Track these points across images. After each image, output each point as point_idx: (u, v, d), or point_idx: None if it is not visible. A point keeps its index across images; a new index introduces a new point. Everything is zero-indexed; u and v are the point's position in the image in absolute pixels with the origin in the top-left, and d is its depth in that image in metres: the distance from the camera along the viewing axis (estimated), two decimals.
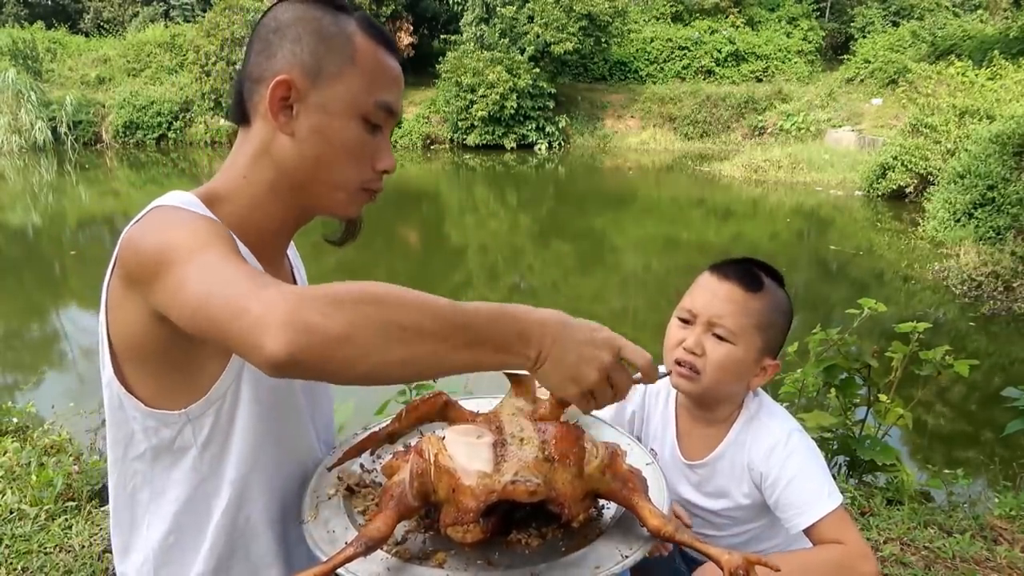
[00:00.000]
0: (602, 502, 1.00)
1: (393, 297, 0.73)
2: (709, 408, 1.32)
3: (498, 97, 19.49)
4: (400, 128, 21.46)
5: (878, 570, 1.13)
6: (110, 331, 0.93)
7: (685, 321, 1.28)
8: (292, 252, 1.20)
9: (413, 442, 1.00)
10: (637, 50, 23.94)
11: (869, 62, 20.34)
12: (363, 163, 0.99)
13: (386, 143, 1.02)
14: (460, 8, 22.46)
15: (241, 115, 1.00)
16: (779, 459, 1.23)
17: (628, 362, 0.86)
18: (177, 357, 0.92)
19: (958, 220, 9.09)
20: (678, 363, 1.25)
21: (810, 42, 24.14)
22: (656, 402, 1.43)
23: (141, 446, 0.97)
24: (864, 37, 22.72)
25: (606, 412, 1.44)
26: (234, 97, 1.01)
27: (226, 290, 0.73)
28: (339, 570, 0.84)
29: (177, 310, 0.79)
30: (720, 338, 1.23)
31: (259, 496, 1.00)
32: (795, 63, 23.62)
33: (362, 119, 0.97)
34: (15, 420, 3.57)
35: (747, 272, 1.27)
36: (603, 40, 21.89)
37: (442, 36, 23.54)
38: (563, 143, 21.12)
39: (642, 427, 1.45)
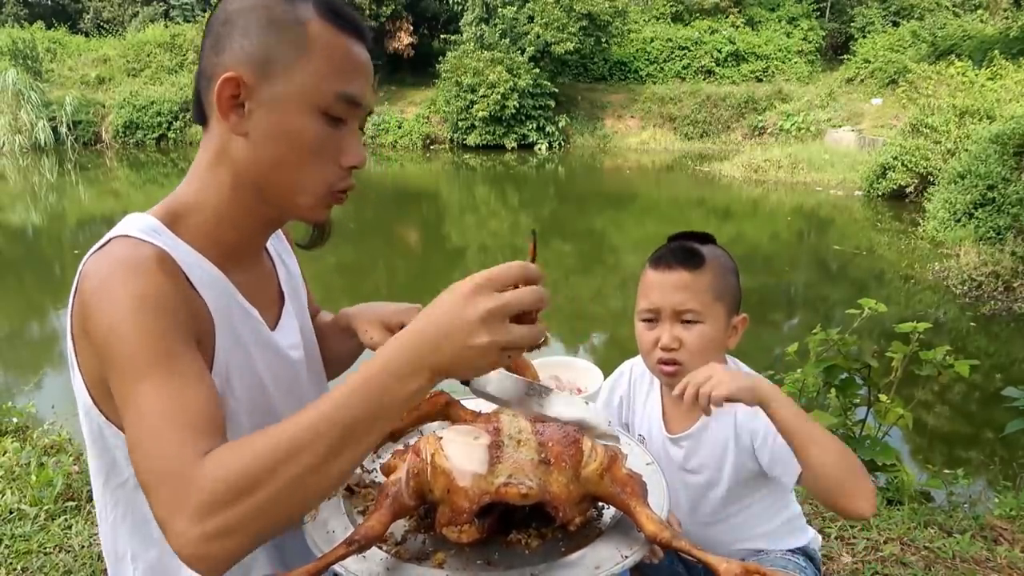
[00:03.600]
0: (601, 503, 1.00)
1: (281, 463, 0.70)
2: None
3: (499, 97, 19.50)
4: (400, 128, 21.49)
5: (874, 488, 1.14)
6: (79, 360, 0.89)
7: (650, 321, 1.30)
8: (279, 245, 1.16)
9: (413, 441, 1.00)
10: (637, 50, 23.95)
11: (869, 62, 20.35)
12: (326, 161, 0.92)
13: (353, 137, 0.94)
14: (460, 8, 22.48)
15: (201, 116, 0.95)
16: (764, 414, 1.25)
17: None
18: None
19: (958, 220, 9.09)
20: (661, 363, 1.28)
21: (810, 42, 24.15)
22: (642, 384, 1.45)
23: (124, 474, 0.93)
24: (864, 37, 22.73)
25: (600, 399, 1.44)
26: (194, 96, 0.95)
27: (153, 468, 0.74)
28: (339, 570, 0.85)
29: (124, 424, 0.80)
30: (689, 323, 1.26)
31: None
32: (795, 63, 23.62)
33: (320, 113, 0.89)
34: (15, 420, 3.57)
35: (685, 253, 1.29)
36: (603, 40, 21.91)
37: (442, 36, 23.55)
38: (563, 143, 21.12)
39: (630, 410, 1.47)
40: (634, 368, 1.48)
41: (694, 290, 1.26)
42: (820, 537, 1.44)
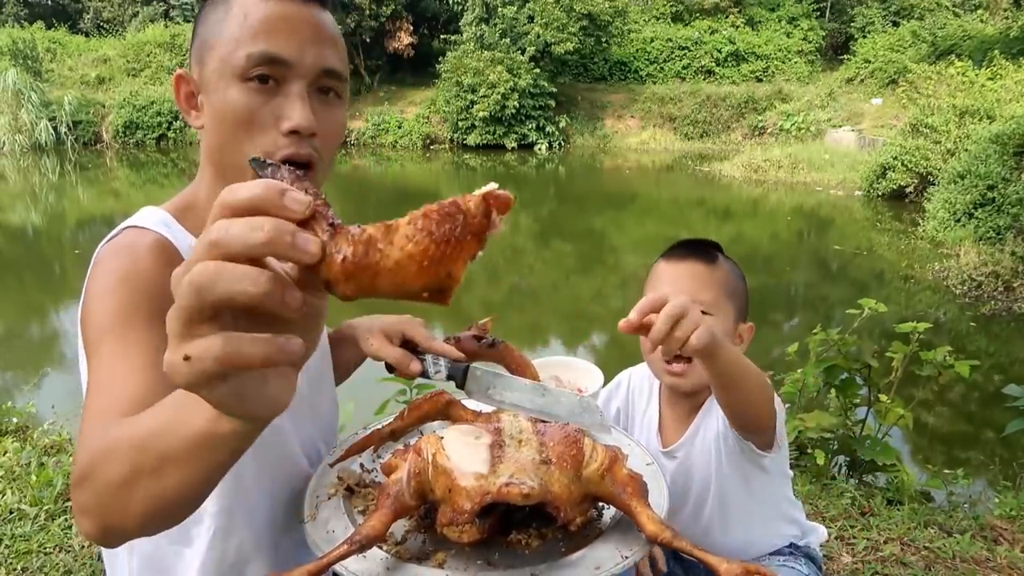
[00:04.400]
0: (602, 503, 1.00)
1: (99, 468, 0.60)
2: (697, 394, 1.32)
3: (499, 97, 19.50)
4: (400, 128, 21.49)
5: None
6: (84, 345, 0.90)
7: None
8: None
9: (414, 441, 1.00)
10: (637, 50, 23.95)
11: (869, 62, 20.35)
12: (257, 129, 0.87)
13: (291, 99, 0.87)
14: (460, 8, 22.47)
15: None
16: None
17: None
18: None
19: (958, 220, 9.09)
20: (669, 363, 1.25)
21: (810, 42, 24.15)
22: (640, 395, 1.43)
23: None
24: (864, 37, 22.73)
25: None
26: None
27: (83, 427, 0.73)
28: (339, 569, 0.85)
29: None
30: None
31: (245, 524, 0.98)
32: (795, 63, 23.62)
33: (241, 80, 0.86)
34: (15, 420, 3.57)
35: (699, 247, 1.28)
36: (603, 40, 21.91)
37: (442, 36, 23.54)
38: (563, 143, 21.12)
39: (628, 420, 1.45)
40: (632, 378, 1.46)
41: (707, 282, 1.24)
42: (825, 532, 1.43)
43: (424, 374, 1.07)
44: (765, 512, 1.33)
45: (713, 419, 1.27)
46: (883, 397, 2.99)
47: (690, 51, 23.76)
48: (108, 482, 0.59)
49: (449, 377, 1.06)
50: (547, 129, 20.68)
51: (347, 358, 1.24)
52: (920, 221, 9.99)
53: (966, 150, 10.09)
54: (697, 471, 1.31)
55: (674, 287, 1.24)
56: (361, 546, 0.84)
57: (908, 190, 11.72)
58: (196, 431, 0.52)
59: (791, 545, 1.35)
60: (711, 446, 1.28)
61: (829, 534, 2.38)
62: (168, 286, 0.64)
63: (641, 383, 1.43)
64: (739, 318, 1.29)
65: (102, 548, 1.02)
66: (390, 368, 1.11)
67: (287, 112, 0.87)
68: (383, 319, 1.18)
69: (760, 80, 23.13)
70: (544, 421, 1.01)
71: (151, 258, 0.86)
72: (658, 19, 24.91)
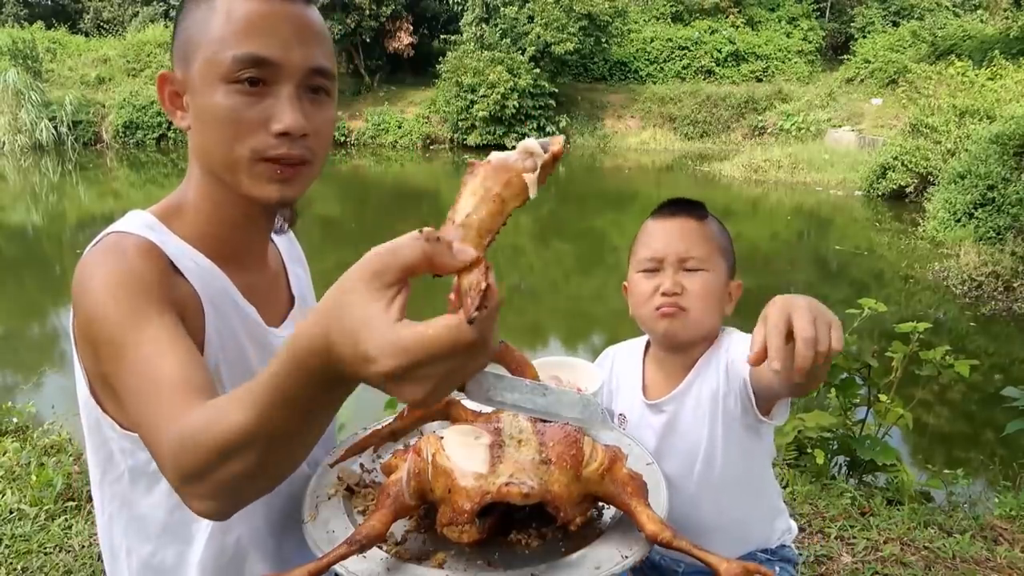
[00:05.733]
0: (602, 503, 1.00)
1: (220, 451, 0.64)
2: (686, 349, 1.29)
3: (499, 97, 19.51)
4: (400, 128, 21.49)
5: None
6: (78, 352, 0.90)
7: (651, 271, 1.25)
8: (291, 251, 1.17)
9: (414, 441, 1.00)
10: (637, 50, 23.95)
11: (869, 62, 20.35)
12: (246, 131, 0.86)
13: (281, 101, 0.86)
14: (460, 8, 22.48)
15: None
16: (740, 343, 1.24)
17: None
18: None
19: (958, 220, 9.09)
20: (660, 308, 1.23)
21: (810, 42, 24.15)
22: (627, 363, 1.41)
23: (120, 468, 0.93)
24: (864, 37, 22.73)
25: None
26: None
27: (144, 436, 0.75)
28: (339, 569, 0.85)
29: (121, 398, 0.81)
30: (694, 270, 1.23)
31: (244, 518, 0.96)
32: (795, 63, 23.63)
33: (228, 82, 0.85)
34: (15, 420, 3.57)
35: (689, 203, 1.28)
36: (603, 40, 21.92)
37: (442, 36, 23.54)
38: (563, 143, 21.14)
39: (615, 390, 1.41)
40: (617, 353, 1.44)
41: (699, 237, 1.24)
42: (796, 528, 1.40)
43: None
44: (754, 486, 1.30)
45: (711, 377, 1.25)
46: (883, 397, 2.99)
47: (690, 51, 23.76)
48: (235, 474, 0.64)
49: None
50: (547, 129, 20.67)
51: None
52: (920, 221, 10.00)
53: (966, 150, 10.10)
54: (687, 428, 1.27)
55: (666, 246, 1.24)
56: (361, 546, 0.84)
57: (908, 190, 11.73)
58: (318, 408, 0.61)
59: (766, 550, 1.32)
60: (706, 406, 1.25)
61: (829, 534, 2.39)
62: (154, 280, 0.81)
63: (628, 353, 1.42)
64: (730, 275, 1.29)
65: (102, 546, 1.02)
66: None
67: (277, 114, 0.86)
68: None
69: (760, 80, 23.13)
70: (545, 421, 1.01)
71: (138, 258, 0.85)
72: (658, 19, 24.92)
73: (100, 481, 0.96)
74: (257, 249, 1.05)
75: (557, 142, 0.64)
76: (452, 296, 0.58)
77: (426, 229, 0.57)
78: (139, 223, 0.91)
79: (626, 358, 1.41)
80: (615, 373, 1.42)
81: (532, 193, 0.64)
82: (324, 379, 0.57)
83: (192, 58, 0.88)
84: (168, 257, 0.88)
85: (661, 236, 1.26)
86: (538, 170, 0.64)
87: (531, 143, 0.64)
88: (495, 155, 0.65)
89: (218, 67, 0.85)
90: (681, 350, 1.30)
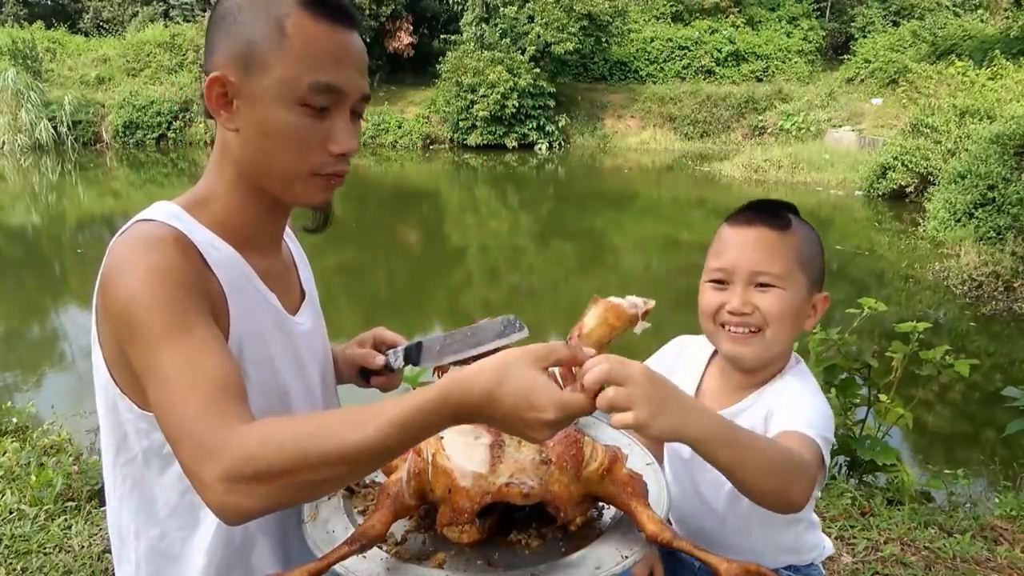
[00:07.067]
0: (602, 503, 1.00)
1: (312, 459, 0.74)
2: (756, 371, 1.19)
3: (499, 97, 19.51)
4: (400, 128, 21.49)
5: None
6: (100, 334, 0.93)
7: (720, 282, 1.15)
8: (295, 250, 1.19)
9: None
10: (637, 50, 23.95)
11: (869, 62, 20.35)
12: (309, 150, 0.93)
13: (342, 124, 0.94)
14: (460, 8, 22.47)
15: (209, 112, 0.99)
16: (788, 398, 1.13)
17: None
18: None
19: (958, 220, 9.09)
20: (726, 327, 1.15)
21: (810, 42, 24.16)
22: (693, 356, 1.31)
23: (133, 449, 0.95)
24: (864, 37, 22.74)
25: None
26: (204, 93, 0.99)
27: (181, 427, 0.79)
28: (339, 569, 0.85)
29: (147, 393, 0.84)
30: (767, 286, 1.12)
31: None
32: (795, 63, 23.63)
33: (299, 104, 0.91)
34: (15, 420, 3.57)
35: (770, 211, 1.15)
36: (603, 40, 21.92)
37: (442, 36, 23.54)
38: (563, 143, 21.13)
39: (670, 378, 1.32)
40: (686, 345, 1.34)
41: (777, 251, 1.12)
42: (830, 547, 1.33)
43: (388, 366, 1.15)
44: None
45: (764, 407, 1.15)
46: (883, 397, 2.98)
47: (690, 51, 23.76)
48: (313, 482, 0.76)
49: (406, 360, 1.13)
50: (547, 129, 20.68)
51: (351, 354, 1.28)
52: (920, 221, 10.00)
53: (966, 150, 10.10)
54: None
55: (739, 257, 1.13)
56: (361, 546, 0.84)
57: (908, 190, 11.73)
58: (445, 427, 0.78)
59: (790, 567, 1.26)
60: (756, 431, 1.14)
61: (829, 534, 2.38)
62: (192, 276, 0.89)
63: (696, 348, 1.31)
64: (813, 289, 1.16)
65: (110, 530, 1.04)
66: (365, 376, 1.19)
67: (338, 137, 0.94)
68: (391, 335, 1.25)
69: (760, 80, 23.13)
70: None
71: (178, 252, 0.89)
72: (658, 19, 24.92)
73: (113, 462, 0.98)
74: (275, 238, 1.09)
75: (651, 303, 1.08)
76: (561, 372, 0.83)
77: (571, 340, 1.06)
78: (165, 212, 0.94)
79: (693, 353, 1.32)
80: (678, 364, 1.33)
81: (637, 330, 1.09)
82: (460, 417, 0.76)
83: (255, 70, 0.90)
84: (198, 248, 0.92)
85: (734, 246, 1.14)
86: (640, 314, 1.08)
87: (635, 300, 1.09)
88: (613, 298, 1.10)
89: (295, 90, 0.90)
90: (745, 369, 1.21)
